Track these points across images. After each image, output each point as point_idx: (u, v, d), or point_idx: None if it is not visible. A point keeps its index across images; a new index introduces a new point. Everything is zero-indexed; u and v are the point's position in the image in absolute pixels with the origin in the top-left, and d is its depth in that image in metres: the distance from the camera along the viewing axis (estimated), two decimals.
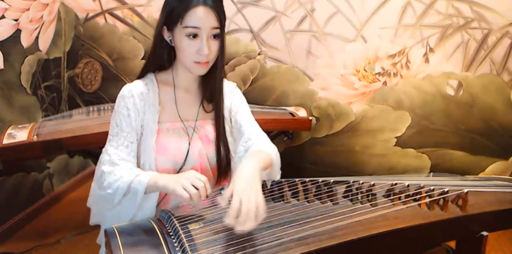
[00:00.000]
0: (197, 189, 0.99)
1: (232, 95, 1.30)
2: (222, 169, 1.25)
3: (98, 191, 1.17)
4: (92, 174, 1.28)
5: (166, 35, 1.16)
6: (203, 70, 1.16)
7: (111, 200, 1.13)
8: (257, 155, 1.08)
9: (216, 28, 1.11)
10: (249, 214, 0.87)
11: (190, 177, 1.01)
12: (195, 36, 1.10)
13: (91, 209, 1.29)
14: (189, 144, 1.20)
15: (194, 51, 1.11)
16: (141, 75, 1.23)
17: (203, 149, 1.23)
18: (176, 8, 1.10)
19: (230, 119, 1.30)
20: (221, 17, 1.12)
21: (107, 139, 1.19)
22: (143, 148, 1.18)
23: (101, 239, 1.27)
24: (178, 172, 1.19)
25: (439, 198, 1.09)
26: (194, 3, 1.08)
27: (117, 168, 1.12)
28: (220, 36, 1.13)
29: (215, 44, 1.13)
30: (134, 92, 1.17)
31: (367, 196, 1.11)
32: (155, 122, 1.18)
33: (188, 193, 0.98)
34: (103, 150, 1.19)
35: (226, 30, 1.15)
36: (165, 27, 1.15)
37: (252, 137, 1.21)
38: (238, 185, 0.92)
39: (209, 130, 1.25)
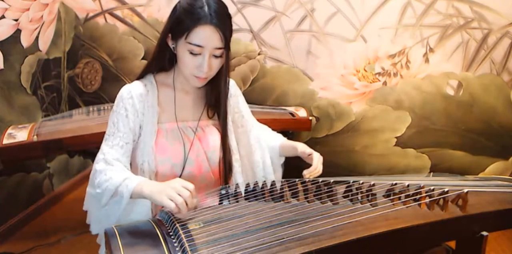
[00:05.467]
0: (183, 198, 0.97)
1: (231, 97, 1.33)
2: (226, 171, 1.26)
3: (89, 188, 1.18)
4: None
5: (170, 42, 1.16)
6: (200, 84, 1.17)
7: (99, 199, 1.13)
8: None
9: (220, 48, 1.10)
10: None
11: (176, 186, 0.99)
12: (197, 53, 1.10)
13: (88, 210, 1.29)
14: (190, 144, 1.21)
15: (194, 67, 1.12)
16: (140, 76, 1.23)
17: (202, 150, 1.23)
18: (184, 20, 1.09)
19: (232, 121, 1.33)
20: (226, 36, 1.10)
21: (104, 138, 1.19)
22: (143, 148, 1.19)
23: (101, 238, 1.27)
24: (180, 174, 1.20)
25: (439, 198, 1.09)
26: (202, 21, 1.07)
27: (109, 168, 1.12)
28: (222, 55, 1.13)
29: (216, 62, 1.13)
30: (133, 94, 1.17)
31: (367, 196, 1.11)
32: (155, 123, 1.19)
33: (174, 202, 0.96)
34: (100, 148, 1.20)
35: (229, 45, 1.15)
36: (170, 35, 1.15)
37: (261, 139, 1.41)
38: (315, 152, 1.32)
39: (210, 132, 1.26)
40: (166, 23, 1.15)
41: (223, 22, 1.09)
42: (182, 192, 0.98)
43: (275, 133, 1.50)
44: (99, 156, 1.16)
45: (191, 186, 1.00)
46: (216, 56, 1.12)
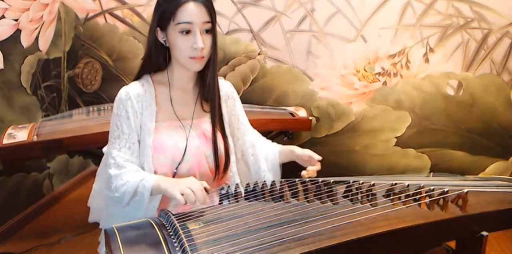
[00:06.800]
0: (194, 192, 1.03)
1: (228, 99, 1.33)
2: (220, 167, 1.26)
3: (107, 192, 1.20)
4: (92, 174, 1.32)
5: (160, 36, 1.18)
6: (199, 66, 1.18)
7: (120, 202, 1.17)
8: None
9: (208, 22, 1.14)
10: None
11: (188, 182, 1.05)
12: (188, 32, 1.13)
13: (90, 208, 1.34)
14: (187, 141, 1.21)
15: (188, 47, 1.13)
16: (137, 77, 1.25)
17: (201, 147, 1.24)
18: (167, 7, 1.13)
19: (229, 124, 1.34)
20: (211, 11, 1.14)
21: (109, 141, 1.21)
22: (142, 148, 1.20)
23: (102, 236, 1.29)
24: (176, 168, 1.21)
25: (439, 198, 1.09)
26: None
27: (123, 171, 1.15)
28: (212, 31, 1.16)
29: (208, 39, 1.15)
30: (131, 94, 1.19)
31: (367, 196, 1.11)
32: (153, 122, 1.20)
33: (185, 198, 1.02)
34: (107, 152, 1.23)
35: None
36: (158, 29, 1.17)
37: (256, 144, 1.37)
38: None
39: (207, 128, 1.26)
40: (152, 20, 1.18)
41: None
42: (193, 187, 1.03)
43: (269, 141, 1.46)
44: (110, 160, 1.18)
45: (203, 183, 1.06)
46: (206, 32, 1.15)
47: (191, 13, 1.11)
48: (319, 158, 1.26)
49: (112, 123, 1.20)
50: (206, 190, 1.07)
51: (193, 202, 1.02)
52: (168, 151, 1.20)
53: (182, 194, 1.02)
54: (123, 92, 1.19)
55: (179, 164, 1.20)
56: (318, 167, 1.26)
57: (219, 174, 1.27)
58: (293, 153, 1.31)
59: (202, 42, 1.13)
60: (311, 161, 1.27)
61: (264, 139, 1.44)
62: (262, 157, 1.36)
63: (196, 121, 1.25)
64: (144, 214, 1.17)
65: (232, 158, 1.31)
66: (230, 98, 1.34)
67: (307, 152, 1.28)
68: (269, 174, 1.35)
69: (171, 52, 1.19)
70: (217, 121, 1.27)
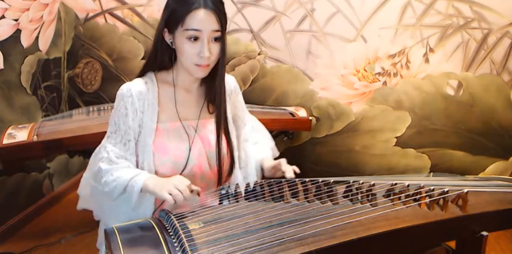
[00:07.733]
0: (181, 192, 1.05)
1: (232, 93, 1.33)
2: (224, 169, 1.25)
3: (95, 184, 1.21)
4: None
5: (167, 38, 1.16)
6: (203, 73, 1.16)
7: (109, 196, 1.17)
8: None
9: (217, 31, 1.11)
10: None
11: (175, 182, 1.07)
12: (196, 39, 1.10)
13: (80, 196, 1.36)
14: (191, 143, 1.21)
15: (195, 54, 1.12)
16: (141, 74, 1.23)
17: (203, 149, 1.23)
18: (177, 10, 1.10)
19: (237, 117, 1.35)
20: (222, 20, 1.11)
21: (106, 135, 1.21)
22: (142, 147, 1.19)
23: (101, 232, 1.29)
24: (181, 172, 1.20)
25: (439, 198, 1.09)
26: (195, 5, 1.08)
27: (114, 167, 1.15)
28: (221, 39, 1.13)
29: (215, 47, 1.13)
30: (133, 91, 1.17)
31: (367, 196, 1.11)
32: (154, 122, 1.19)
33: (173, 197, 1.04)
34: (101, 145, 1.22)
35: (226, 30, 1.15)
36: (166, 30, 1.15)
37: (249, 140, 1.38)
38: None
39: (211, 130, 1.25)
40: (161, 19, 1.16)
41: (217, 6, 1.11)
42: (179, 187, 1.05)
43: (266, 140, 1.46)
44: (103, 154, 1.18)
45: (188, 181, 1.08)
46: (214, 40, 1.12)
47: (201, 20, 1.09)
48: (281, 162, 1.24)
49: (111, 118, 1.20)
50: (198, 193, 1.09)
51: (182, 201, 1.04)
52: (171, 153, 1.19)
53: (170, 194, 1.04)
54: (125, 88, 1.17)
55: (184, 168, 1.19)
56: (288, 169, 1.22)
57: (222, 176, 1.26)
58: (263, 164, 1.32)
59: (208, 51, 1.11)
60: (279, 167, 1.24)
61: (262, 139, 1.45)
62: (252, 158, 1.37)
63: (200, 123, 1.24)
64: (134, 208, 1.17)
65: (235, 154, 1.30)
66: (233, 92, 1.34)
67: (272, 163, 1.29)
68: (254, 171, 1.35)
69: (177, 55, 1.17)
70: (222, 125, 1.25)
